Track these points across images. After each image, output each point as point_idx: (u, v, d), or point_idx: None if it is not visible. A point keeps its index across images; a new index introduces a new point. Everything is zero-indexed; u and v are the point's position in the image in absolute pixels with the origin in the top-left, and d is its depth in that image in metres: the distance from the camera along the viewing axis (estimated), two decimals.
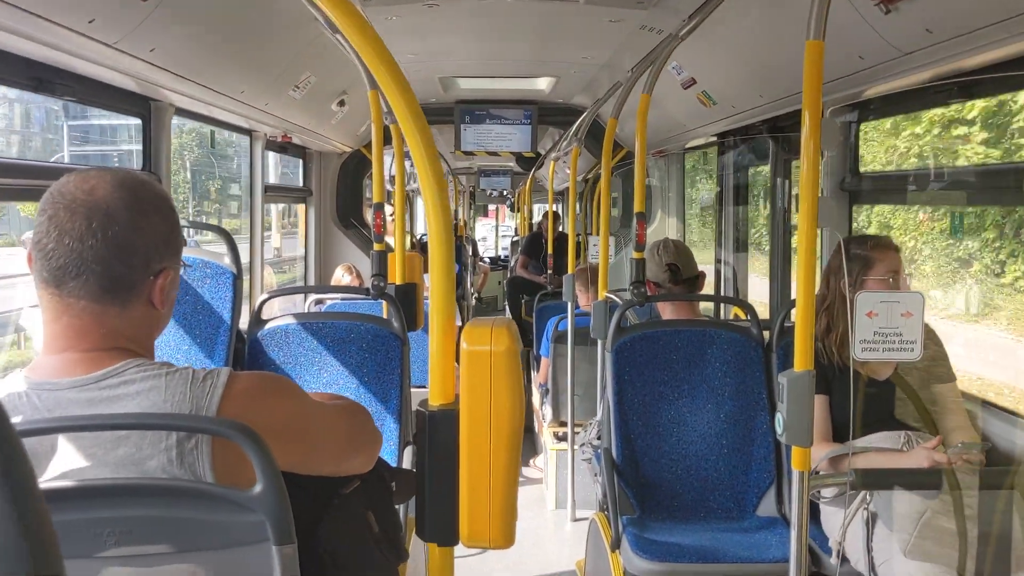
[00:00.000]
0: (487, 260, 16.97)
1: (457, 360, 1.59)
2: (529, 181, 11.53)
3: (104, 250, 1.38)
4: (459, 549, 1.66)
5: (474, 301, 12.12)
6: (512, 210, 21.18)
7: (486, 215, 26.00)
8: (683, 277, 3.79)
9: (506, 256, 17.87)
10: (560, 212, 12.28)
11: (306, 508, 1.54)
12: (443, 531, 1.60)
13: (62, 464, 1.35)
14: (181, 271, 1.60)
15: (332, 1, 1.48)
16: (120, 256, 1.40)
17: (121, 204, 1.41)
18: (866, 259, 2.89)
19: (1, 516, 0.54)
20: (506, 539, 1.60)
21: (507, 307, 11.18)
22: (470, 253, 13.02)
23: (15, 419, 1.34)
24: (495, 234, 24.10)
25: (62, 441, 1.35)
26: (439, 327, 1.58)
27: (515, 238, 16.60)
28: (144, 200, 1.45)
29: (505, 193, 19.48)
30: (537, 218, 12.60)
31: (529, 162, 8.61)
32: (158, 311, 1.49)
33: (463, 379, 1.56)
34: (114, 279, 1.41)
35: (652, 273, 3.79)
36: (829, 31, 1.88)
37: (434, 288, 1.59)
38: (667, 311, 3.83)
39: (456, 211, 12.77)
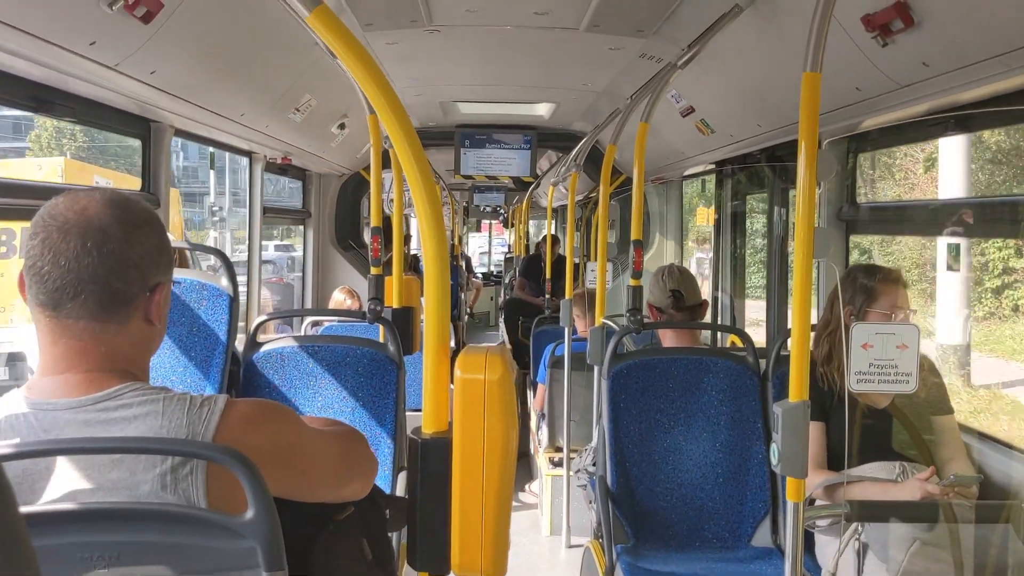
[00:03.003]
0: (479, 276, 16.98)
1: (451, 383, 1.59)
2: (526, 201, 11.55)
3: (101, 267, 1.38)
4: None
5: (466, 317, 12.13)
6: (506, 226, 21.18)
7: (479, 230, 25.94)
8: (686, 304, 3.79)
9: (499, 272, 17.85)
10: (559, 233, 12.28)
11: (301, 534, 1.54)
12: (434, 560, 1.60)
13: (56, 484, 1.35)
14: (177, 289, 1.61)
15: (330, 28, 1.49)
16: (117, 272, 1.40)
17: (114, 221, 1.41)
18: (871, 291, 2.89)
19: None
20: (498, 569, 1.59)
21: (501, 326, 11.18)
22: (464, 270, 13.03)
23: (12, 440, 1.34)
24: (488, 248, 24.06)
25: (57, 462, 1.35)
26: (433, 356, 1.58)
27: (509, 255, 16.63)
28: (135, 215, 1.45)
29: (499, 209, 19.48)
30: (535, 237, 12.62)
31: (526, 183, 8.65)
32: (154, 328, 1.49)
33: (457, 407, 1.56)
34: (112, 296, 1.40)
35: (655, 298, 3.79)
36: (827, 63, 1.89)
37: (429, 316, 1.59)
38: (668, 338, 3.83)
39: (451, 231, 12.78)
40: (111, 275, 1.39)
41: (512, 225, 16.78)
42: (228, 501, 1.37)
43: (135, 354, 1.48)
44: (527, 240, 13.53)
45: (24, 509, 1.28)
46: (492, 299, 15.29)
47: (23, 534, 0.58)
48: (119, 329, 1.43)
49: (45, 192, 2.94)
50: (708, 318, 5.91)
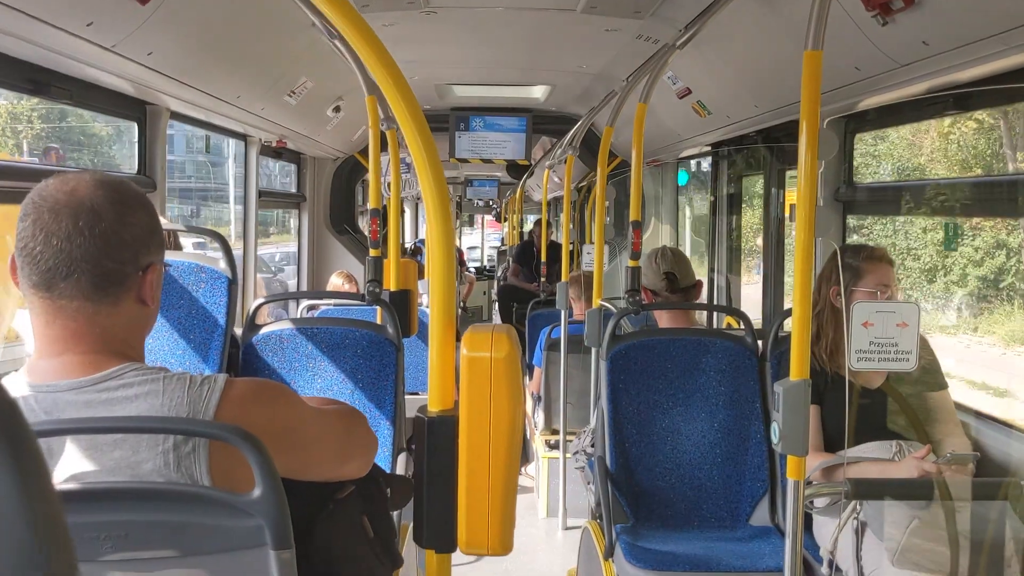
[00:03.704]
0: (472, 270, 16.99)
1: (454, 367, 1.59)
2: (519, 191, 11.53)
3: (93, 247, 1.38)
4: (454, 556, 1.66)
5: (459, 311, 12.14)
6: (498, 220, 21.18)
7: (472, 225, 25.85)
8: (680, 286, 3.79)
9: (491, 266, 17.86)
10: (552, 221, 12.29)
11: (302, 512, 1.54)
12: (441, 538, 1.60)
13: (58, 465, 1.35)
14: (177, 272, 1.60)
15: (334, 6, 1.48)
16: (109, 252, 1.40)
17: (105, 200, 1.41)
18: (857, 269, 2.90)
19: (17, 519, 0.54)
20: (504, 546, 1.60)
21: (495, 319, 11.19)
22: (458, 263, 13.04)
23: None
24: (481, 244, 24.05)
25: (59, 442, 1.35)
26: (439, 333, 1.58)
27: (502, 248, 16.62)
28: (126, 196, 1.45)
29: (491, 203, 19.46)
30: (528, 227, 12.61)
31: (520, 170, 8.63)
32: (148, 308, 1.49)
33: (463, 385, 1.56)
34: (105, 275, 1.41)
35: (649, 281, 3.79)
36: (827, 42, 1.89)
37: (434, 294, 1.59)
38: (663, 319, 3.84)
39: None
40: (104, 255, 1.40)
41: (505, 219, 16.79)
42: (231, 478, 1.38)
43: (129, 335, 1.48)
44: (520, 229, 13.52)
45: None
46: (485, 293, 15.31)
47: (60, 514, 0.58)
48: (112, 310, 1.43)
49: (34, 174, 2.94)
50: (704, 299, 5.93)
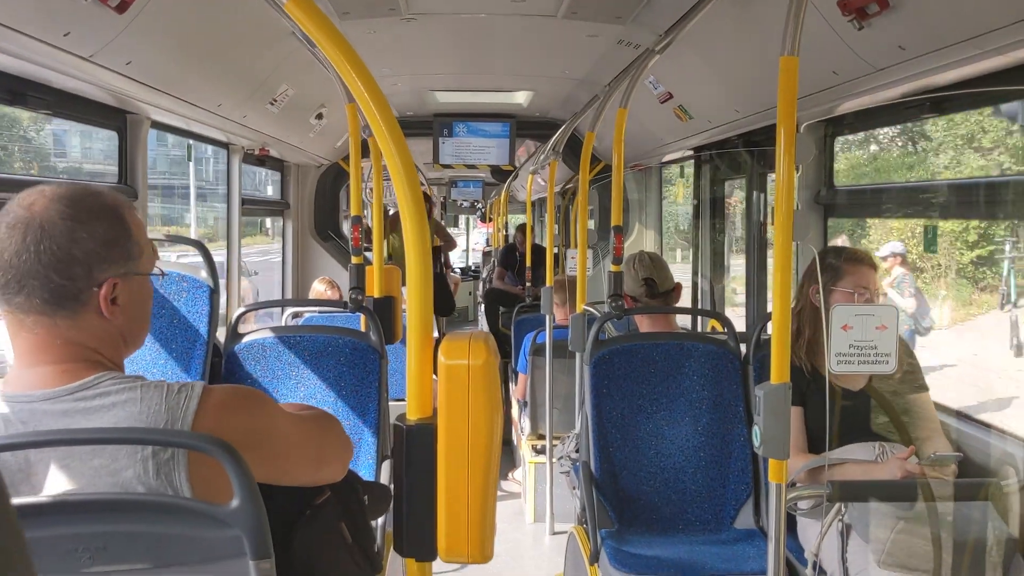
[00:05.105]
0: (457, 271, 16.98)
1: (435, 372, 1.59)
2: (505, 193, 11.53)
3: (37, 264, 1.38)
4: (437, 564, 1.66)
5: None
6: (483, 220, 21.15)
7: (456, 225, 25.83)
8: (659, 291, 3.80)
9: (476, 267, 17.85)
10: (537, 222, 12.30)
11: (279, 519, 1.54)
12: (421, 546, 1.60)
13: (37, 475, 1.35)
14: (158, 282, 1.59)
15: (307, 15, 1.48)
16: (57, 268, 1.39)
17: (56, 215, 1.40)
18: (837, 270, 2.92)
19: None
20: (484, 554, 1.60)
21: (480, 318, 11.19)
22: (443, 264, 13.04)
23: None
24: (467, 245, 24.00)
25: (37, 452, 1.35)
26: (417, 341, 1.58)
27: (487, 249, 16.59)
28: (84, 209, 1.43)
29: (476, 204, 19.42)
30: (511, 230, 12.61)
31: (504, 174, 8.63)
32: (112, 321, 1.47)
33: (441, 393, 1.56)
34: (54, 292, 1.40)
35: (628, 287, 3.80)
36: (804, 47, 1.90)
37: (411, 302, 1.59)
38: (645, 323, 3.85)
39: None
40: (51, 271, 1.39)
41: (490, 219, 16.76)
42: (210, 486, 1.38)
43: (100, 346, 1.47)
44: (506, 231, 13.52)
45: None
46: (471, 294, 15.29)
47: (15, 524, 0.57)
48: (70, 323, 1.43)
49: (14, 185, 2.93)
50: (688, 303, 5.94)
